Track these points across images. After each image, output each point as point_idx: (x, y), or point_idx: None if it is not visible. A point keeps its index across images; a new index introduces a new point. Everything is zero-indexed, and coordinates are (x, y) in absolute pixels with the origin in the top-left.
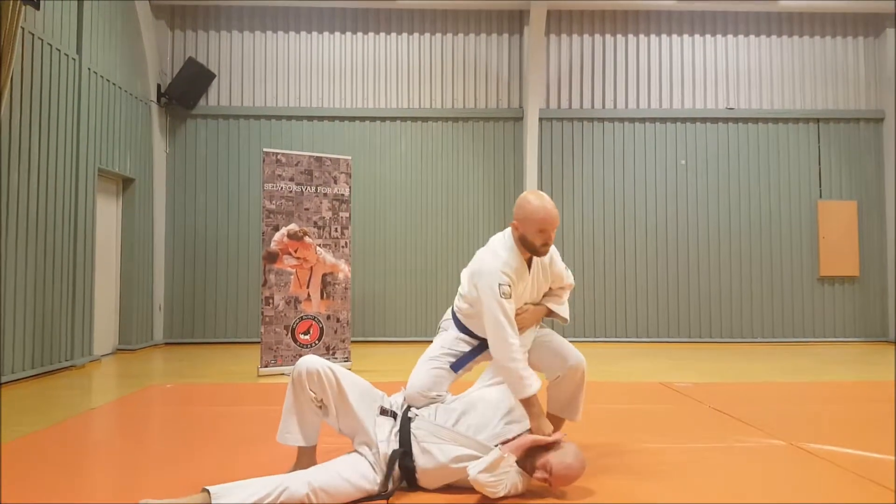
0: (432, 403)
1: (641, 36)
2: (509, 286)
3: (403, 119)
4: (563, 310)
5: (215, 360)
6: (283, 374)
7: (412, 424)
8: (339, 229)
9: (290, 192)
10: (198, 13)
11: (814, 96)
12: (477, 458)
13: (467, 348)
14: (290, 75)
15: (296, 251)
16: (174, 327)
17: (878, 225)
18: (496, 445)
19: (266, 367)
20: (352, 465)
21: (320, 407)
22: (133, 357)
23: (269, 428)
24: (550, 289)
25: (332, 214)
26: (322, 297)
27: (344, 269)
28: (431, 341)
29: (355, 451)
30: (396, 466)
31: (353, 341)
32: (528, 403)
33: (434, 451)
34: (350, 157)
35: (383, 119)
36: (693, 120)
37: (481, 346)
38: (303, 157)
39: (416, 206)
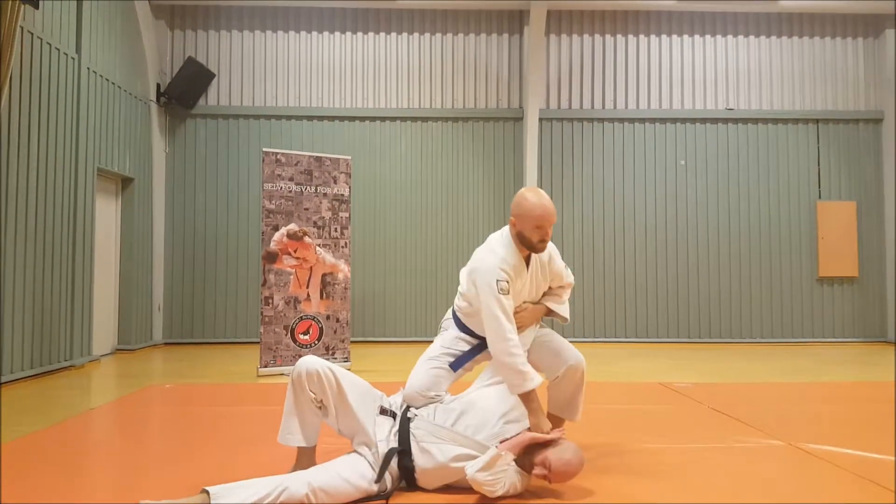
0: (431, 403)
1: (641, 36)
2: (507, 282)
3: (403, 119)
4: (563, 309)
5: (215, 361)
6: (282, 374)
7: (411, 424)
8: (338, 229)
9: (290, 191)
10: (197, 13)
11: (813, 97)
12: (476, 457)
13: (467, 347)
14: (289, 75)
15: (295, 251)
16: (173, 327)
17: (877, 225)
18: (494, 445)
19: (265, 367)
20: (351, 466)
21: (320, 407)
22: (132, 357)
23: (269, 428)
24: (550, 287)
25: (331, 214)
26: (322, 297)
27: (343, 270)
28: (431, 341)
29: (354, 451)
30: (396, 466)
31: (352, 341)
32: (527, 399)
33: (433, 451)
34: (350, 157)
35: (383, 119)
36: (693, 120)
37: (481, 346)
38: (302, 157)
39: (415, 206)
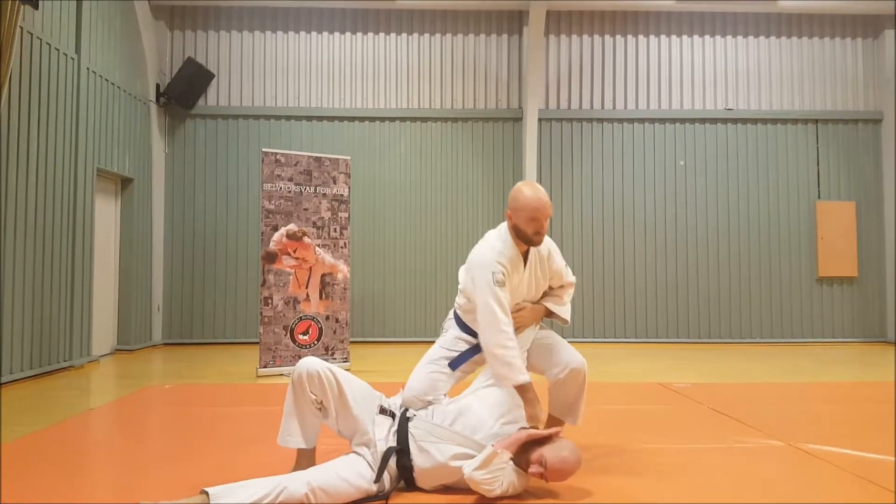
0: (429, 406)
1: (641, 36)
2: (503, 274)
3: (403, 119)
4: (563, 310)
5: (214, 361)
6: (281, 374)
7: (410, 424)
8: (338, 229)
9: (290, 192)
10: (197, 13)
11: (812, 97)
12: (474, 457)
13: (466, 347)
14: (289, 75)
15: (295, 251)
16: (173, 328)
17: (876, 225)
18: (491, 444)
19: (265, 367)
20: (350, 465)
21: (320, 409)
22: (132, 357)
23: (269, 428)
24: (551, 287)
25: (331, 215)
26: (321, 297)
27: (343, 270)
28: (431, 341)
29: (353, 451)
30: (394, 466)
31: (351, 342)
32: (521, 390)
33: (431, 451)
34: (349, 158)
35: (382, 119)
36: (692, 121)
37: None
38: (302, 158)
39: (415, 206)
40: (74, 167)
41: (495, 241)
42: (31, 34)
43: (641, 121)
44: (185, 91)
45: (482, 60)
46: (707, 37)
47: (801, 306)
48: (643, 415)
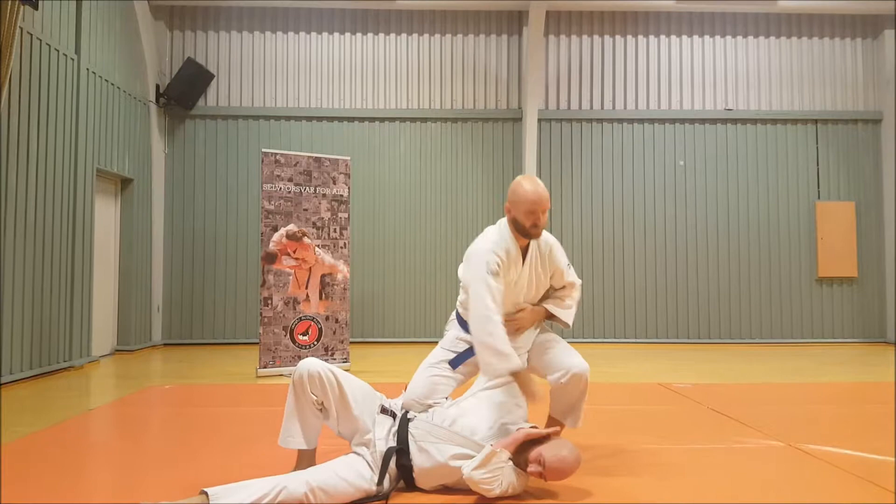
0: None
1: (640, 37)
2: (498, 264)
3: (402, 120)
4: (565, 314)
5: (214, 361)
6: (281, 374)
7: (410, 424)
8: (337, 230)
9: (289, 192)
10: (197, 14)
11: (812, 97)
12: (473, 457)
13: (466, 346)
14: (288, 76)
15: (294, 252)
16: (173, 328)
17: (876, 226)
18: (489, 444)
19: (265, 367)
20: (350, 465)
21: (321, 410)
22: (131, 358)
23: (269, 429)
24: (553, 288)
25: (330, 215)
26: (321, 297)
27: (343, 270)
28: (430, 341)
29: (353, 451)
30: (394, 465)
31: (351, 342)
32: (515, 375)
33: (431, 451)
34: (349, 158)
35: (382, 120)
36: (692, 121)
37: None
38: (301, 158)
39: (414, 206)
40: (74, 167)
41: (493, 234)
42: (31, 34)
43: (641, 121)
44: (184, 91)
45: (482, 60)
46: (707, 37)
47: (801, 307)
48: (643, 415)
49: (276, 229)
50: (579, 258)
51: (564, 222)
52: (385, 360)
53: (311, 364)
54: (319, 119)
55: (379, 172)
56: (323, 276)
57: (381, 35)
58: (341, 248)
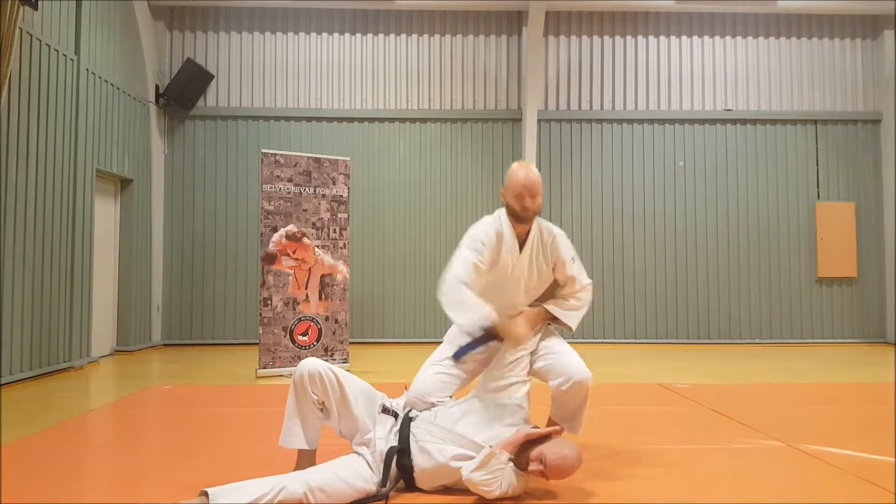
0: (433, 408)
1: (640, 37)
2: (482, 242)
3: (402, 120)
4: (568, 316)
5: (214, 362)
6: (281, 375)
7: (412, 424)
8: (337, 230)
9: (289, 193)
10: (196, 14)
11: (812, 98)
12: (474, 458)
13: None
14: (288, 76)
15: (294, 252)
16: (172, 328)
17: (875, 226)
18: (489, 445)
19: (265, 368)
20: (349, 465)
21: (322, 410)
22: (131, 358)
23: (269, 429)
24: (557, 284)
25: (330, 215)
26: (320, 298)
27: (342, 270)
28: (430, 341)
29: (353, 451)
30: (394, 465)
31: (351, 342)
32: (492, 326)
33: (432, 451)
34: (349, 158)
35: (382, 120)
36: (691, 121)
37: (485, 338)
38: (301, 158)
39: (414, 207)
40: (74, 168)
41: (487, 218)
42: (31, 35)
43: (641, 121)
44: (184, 92)
45: (481, 61)
46: (706, 37)
47: (801, 307)
48: (643, 415)
49: (275, 230)
50: (579, 258)
51: (564, 222)
52: (385, 361)
53: (312, 364)
54: (319, 119)
55: (378, 173)
56: (322, 276)
57: (381, 35)
58: (341, 248)
